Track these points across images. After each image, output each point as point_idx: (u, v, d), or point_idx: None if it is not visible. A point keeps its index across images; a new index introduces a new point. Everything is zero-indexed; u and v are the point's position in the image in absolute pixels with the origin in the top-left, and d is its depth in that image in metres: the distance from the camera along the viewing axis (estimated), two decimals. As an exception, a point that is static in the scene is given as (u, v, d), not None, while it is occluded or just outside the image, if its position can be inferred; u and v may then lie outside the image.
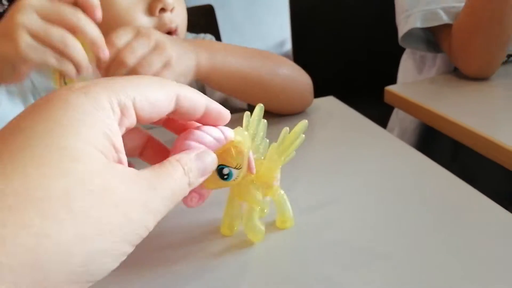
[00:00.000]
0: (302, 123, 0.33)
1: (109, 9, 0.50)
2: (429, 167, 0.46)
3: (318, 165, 0.49)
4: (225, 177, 0.29)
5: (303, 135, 0.34)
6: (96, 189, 0.19)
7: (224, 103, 0.65)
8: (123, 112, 0.22)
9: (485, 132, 0.53)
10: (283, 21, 1.35)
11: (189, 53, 0.49)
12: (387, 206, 0.40)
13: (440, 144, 0.78)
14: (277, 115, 0.60)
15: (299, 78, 0.60)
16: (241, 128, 0.31)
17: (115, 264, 0.20)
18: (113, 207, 0.19)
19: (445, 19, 0.65)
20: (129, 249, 0.21)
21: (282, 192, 0.36)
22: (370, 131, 0.56)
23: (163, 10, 0.53)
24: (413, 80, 0.86)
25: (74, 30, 0.39)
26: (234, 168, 0.29)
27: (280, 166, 0.34)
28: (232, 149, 0.29)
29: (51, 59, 0.39)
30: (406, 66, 0.89)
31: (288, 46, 1.12)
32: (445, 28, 0.67)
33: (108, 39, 0.42)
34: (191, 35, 0.72)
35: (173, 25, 0.55)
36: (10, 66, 0.41)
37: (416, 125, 0.82)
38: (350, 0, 1.16)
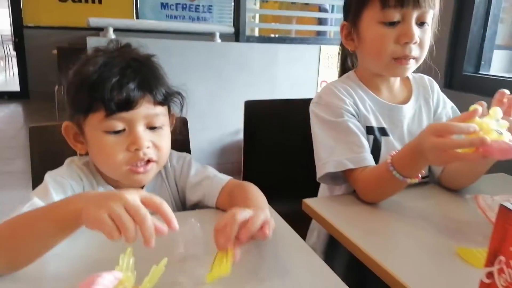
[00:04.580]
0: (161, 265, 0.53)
1: (95, 147, 0.78)
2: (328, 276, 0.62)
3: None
4: None
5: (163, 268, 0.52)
6: None
7: (200, 203, 0.89)
8: None
9: (371, 252, 0.67)
10: (239, 115, 1.34)
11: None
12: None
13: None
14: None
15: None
16: (121, 269, 0.49)
17: None
18: None
19: (350, 165, 0.87)
20: None
21: None
22: (287, 239, 0.72)
23: (136, 150, 0.76)
24: (330, 192, 1.07)
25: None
26: None
27: None
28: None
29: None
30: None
31: (241, 135, 1.36)
32: (350, 170, 0.89)
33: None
34: (176, 154, 0.93)
35: (145, 158, 0.78)
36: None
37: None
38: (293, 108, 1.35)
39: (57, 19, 5.37)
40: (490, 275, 0.46)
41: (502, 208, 0.44)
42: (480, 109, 0.69)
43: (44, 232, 0.59)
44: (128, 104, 0.74)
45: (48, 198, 0.71)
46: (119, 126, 0.75)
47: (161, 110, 0.80)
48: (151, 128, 0.79)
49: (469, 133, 0.67)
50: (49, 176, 0.78)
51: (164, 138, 0.82)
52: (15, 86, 5.97)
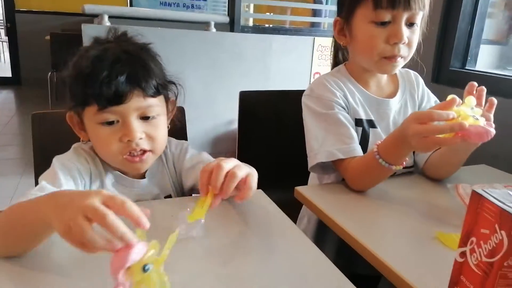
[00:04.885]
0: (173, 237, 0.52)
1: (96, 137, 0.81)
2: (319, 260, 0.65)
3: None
4: (146, 269, 0.46)
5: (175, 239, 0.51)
6: None
7: (195, 187, 0.93)
8: None
9: (359, 236, 0.71)
10: (233, 105, 1.38)
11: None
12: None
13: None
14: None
15: None
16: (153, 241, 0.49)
17: None
18: None
19: (340, 156, 0.92)
20: None
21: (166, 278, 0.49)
22: (280, 224, 0.76)
23: (129, 141, 0.78)
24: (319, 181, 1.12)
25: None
26: (151, 263, 0.47)
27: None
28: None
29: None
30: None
31: (235, 125, 1.45)
32: (340, 160, 0.93)
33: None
34: (175, 141, 0.97)
35: (138, 149, 0.80)
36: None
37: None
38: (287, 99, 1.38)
39: (50, 4, 5.29)
40: (463, 254, 0.50)
41: (474, 194, 0.49)
42: (457, 98, 0.74)
43: (24, 234, 0.60)
44: (117, 99, 0.76)
45: (56, 182, 0.74)
46: (112, 118, 0.78)
47: (154, 101, 0.81)
48: (145, 117, 0.80)
49: (449, 120, 0.72)
50: (56, 160, 0.81)
51: (159, 127, 0.83)
52: (7, 72, 5.90)
